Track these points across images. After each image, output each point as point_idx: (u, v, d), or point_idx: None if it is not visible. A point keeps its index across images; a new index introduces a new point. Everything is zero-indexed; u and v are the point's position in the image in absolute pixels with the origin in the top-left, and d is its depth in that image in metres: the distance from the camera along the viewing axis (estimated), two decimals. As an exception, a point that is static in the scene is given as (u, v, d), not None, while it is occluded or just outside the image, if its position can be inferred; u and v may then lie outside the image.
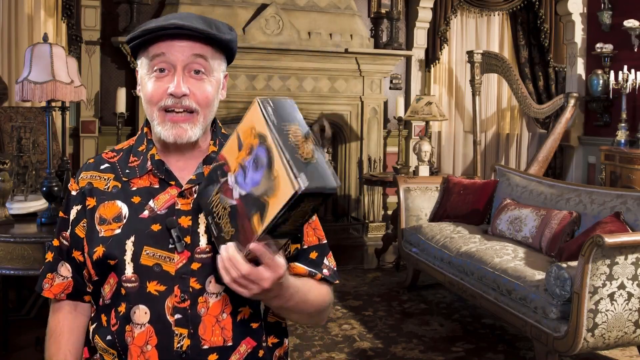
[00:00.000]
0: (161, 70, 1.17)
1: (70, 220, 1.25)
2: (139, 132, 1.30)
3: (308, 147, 0.95)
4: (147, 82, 1.18)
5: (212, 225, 1.08)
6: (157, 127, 1.18)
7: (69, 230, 1.25)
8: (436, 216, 4.54)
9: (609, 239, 2.66)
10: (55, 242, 1.28)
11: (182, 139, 1.17)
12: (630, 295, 2.78)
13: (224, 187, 1.05)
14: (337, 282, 1.28)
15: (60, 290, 1.27)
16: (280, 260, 1.03)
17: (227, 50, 1.22)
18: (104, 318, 1.20)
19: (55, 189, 2.68)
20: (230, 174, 1.04)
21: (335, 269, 1.30)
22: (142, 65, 1.21)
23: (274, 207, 0.95)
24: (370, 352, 3.32)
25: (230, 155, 1.05)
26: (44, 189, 2.67)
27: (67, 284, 1.26)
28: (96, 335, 1.21)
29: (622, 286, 2.76)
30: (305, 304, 1.18)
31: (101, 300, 1.22)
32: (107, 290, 1.20)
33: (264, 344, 1.21)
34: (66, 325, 1.28)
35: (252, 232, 0.99)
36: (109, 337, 1.18)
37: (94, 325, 1.23)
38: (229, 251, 1.02)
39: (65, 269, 1.26)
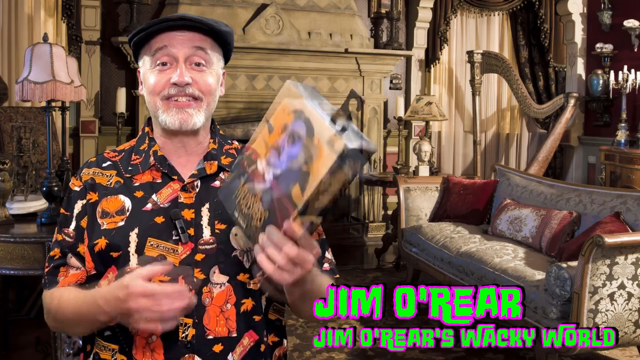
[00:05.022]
0: (163, 63, 1.21)
1: (75, 215, 1.24)
2: (140, 133, 1.32)
3: (342, 117, 0.95)
4: (149, 76, 1.22)
5: (238, 219, 1.06)
6: (162, 115, 1.21)
7: (72, 226, 1.24)
8: (436, 216, 4.54)
9: (609, 239, 2.66)
10: (59, 237, 1.26)
11: (188, 125, 1.20)
12: (630, 295, 2.78)
13: (252, 175, 1.04)
14: (337, 276, 1.30)
15: (75, 280, 1.23)
16: (314, 241, 1.02)
17: (224, 45, 1.27)
18: None
19: (55, 189, 2.67)
20: (260, 159, 1.03)
21: (334, 262, 1.33)
22: (144, 63, 1.24)
23: (318, 171, 0.93)
24: (371, 352, 3.32)
25: (259, 143, 1.05)
26: (44, 189, 2.67)
27: (80, 275, 1.23)
28: (96, 335, 1.21)
29: (622, 286, 2.76)
30: (319, 290, 1.19)
31: None
32: (104, 284, 1.19)
33: (265, 339, 1.23)
34: (75, 287, 1.22)
35: (292, 206, 0.96)
36: (107, 333, 1.19)
37: None
38: (274, 237, 0.97)
39: (74, 261, 1.24)
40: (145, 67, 1.23)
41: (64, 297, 1.20)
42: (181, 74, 1.18)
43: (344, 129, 0.93)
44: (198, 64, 1.21)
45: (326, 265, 1.29)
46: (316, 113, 0.96)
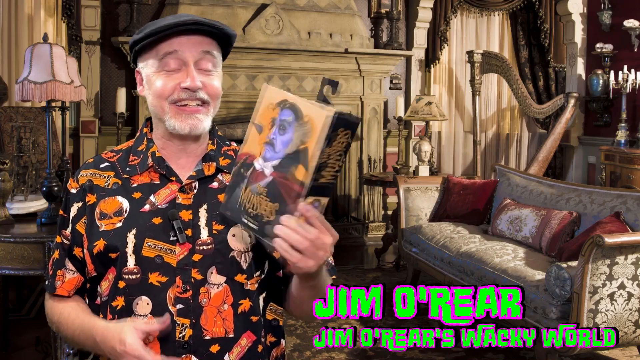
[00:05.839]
0: (172, 67, 1.20)
1: (71, 218, 1.25)
2: (138, 133, 1.32)
3: (325, 96, 1.04)
4: (156, 79, 1.21)
5: (248, 223, 1.05)
6: (170, 120, 1.20)
7: (69, 229, 1.25)
8: (436, 216, 4.54)
9: (609, 239, 2.66)
10: (58, 239, 1.28)
11: (197, 130, 1.21)
12: (630, 295, 2.78)
13: (252, 177, 1.05)
14: (334, 277, 1.30)
15: (73, 287, 1.26)
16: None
17: (225, 47, 1.27)
18: (100, 315, 1.21)
19: (55, 189, 2.68)
20: (256, 159, 1.05)
21: (333, 264, 1.33)
22: (147, 65, 1.22)
23: (316, 144, 0.97)
24: (371, 352, 3.32)
25: (251, 146, 1.07)
26: (44, 189, 2.67)
27: (77, 279, 1.26)
28: None
29: (622, 286, 2.76)
30: (324, 286, 1.21)
31: (98, 298, 1.23)
32: (105, 286, 1.21)
33: (263, 340, 1.23)
34: (75, 306, 1.26)
35: (300, 186, 0.98)
36: None
37: None
38: (291, 223, 0.99)
39: (71, 265, 1.27)
40: (150, 69, 1.22)
41: (64, 316, 1.23)
42: (193, 79, 1.18)
43: (327, 103, 1.00)
44: (206, 68, 1.21)
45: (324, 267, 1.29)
46: (299, 99, 1.02)
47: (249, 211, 1.05)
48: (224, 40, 1.25)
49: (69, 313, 1.23)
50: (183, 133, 1.20)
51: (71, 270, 1.26)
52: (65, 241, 1.26)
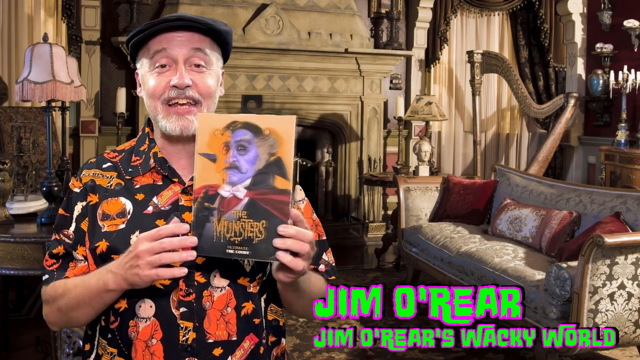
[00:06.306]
0: (162, 66, 1.20)
1: (75, 217, 1.24)
2: (140, 133, 1.31)
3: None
4: (149, 79, 1.21)
5: (237, 252, 1.04)
6: (162, 120, 1.20)
7: (72, 228, 1.24)
8: (436, 216, 4.54)
9: (609, 239, 2.66)
10: (58, 237, 1.25)
11: (189, 131, 1.19)
12: (630, 295, 2.78)
13: (222, 206, 1.05)
14: (333, 277, 1.30)
15: (82, 273, 1.22)
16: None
17: (223, 45, 1.26)
18: (102, 317, 1.20)
19: (55, 189, 2.68)
20: (220, 188, 1.05)
21: (333, 264, 1.32)
22: (142, 65, 1.23)
23: (288, 150, 1.02)
24: (371, 352, 3.32)
25: (205, 178, 1.06)
26: (44, 189, 2.68)
27: (86, 267, 1.22)
28: (100, 337, 1.22)
29: (622, 286, 2.76)
30: (310, 286, 1.21)
31: None
32: None
33: (264, 341, 1.23)
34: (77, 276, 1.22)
35: (284, 195, 1.02)
36: (109, 336, 1.19)
37: (97, 327, 1.23)
38: (290, 231, 1.02)
39: (79, 257, 1.23)
40: (144, 69, 1.22)
41: (70, 281, 1.20)
42: (181, 76, 1.17)
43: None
44: (198, 65, 1.20)
45: (322, 267, 1.28)
46: (250, 115, 1.04)
47: (232, 239, 1.04)
48: (218, 38, 1.24)
49: (73, 279, 1.20)
50: (174, 134, 1.20)
51: (81, 259, 1.23)
52: (67, 240, 1.24)
